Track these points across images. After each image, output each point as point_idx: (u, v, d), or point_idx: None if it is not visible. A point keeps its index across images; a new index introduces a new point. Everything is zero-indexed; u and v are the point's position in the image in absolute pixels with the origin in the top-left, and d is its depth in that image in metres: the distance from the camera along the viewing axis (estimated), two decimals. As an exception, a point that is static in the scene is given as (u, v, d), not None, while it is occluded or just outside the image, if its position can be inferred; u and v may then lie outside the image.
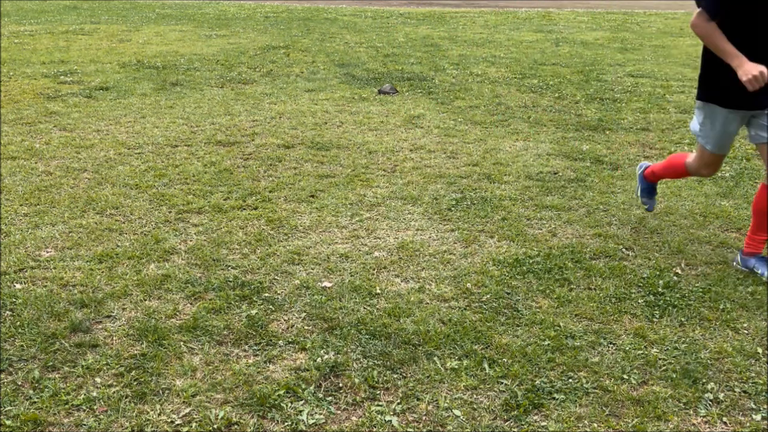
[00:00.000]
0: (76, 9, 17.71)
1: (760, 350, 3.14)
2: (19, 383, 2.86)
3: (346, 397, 2.82)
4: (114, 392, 2.80)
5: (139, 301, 3.49)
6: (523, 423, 2.68)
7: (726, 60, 3.50)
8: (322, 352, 3.09)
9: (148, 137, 6.31)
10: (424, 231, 4.38)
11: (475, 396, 2.83)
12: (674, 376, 2.95)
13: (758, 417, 2.73)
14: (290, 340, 3.19)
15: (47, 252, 4.01)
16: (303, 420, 2.68)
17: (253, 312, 3.39)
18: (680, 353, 3.11)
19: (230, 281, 3.69)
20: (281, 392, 2.82)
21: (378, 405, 2.77)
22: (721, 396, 2.84)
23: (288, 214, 4.59)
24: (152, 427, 2.63)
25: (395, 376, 2.94)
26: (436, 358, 3.05)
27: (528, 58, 10.73)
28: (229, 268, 3.86)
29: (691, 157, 4.07)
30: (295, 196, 4.92)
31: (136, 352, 3.07)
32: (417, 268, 3.89)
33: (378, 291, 3.62)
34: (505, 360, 3.04)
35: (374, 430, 2.64)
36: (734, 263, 3.92)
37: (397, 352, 3.09)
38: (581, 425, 2.67)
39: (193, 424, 2.64)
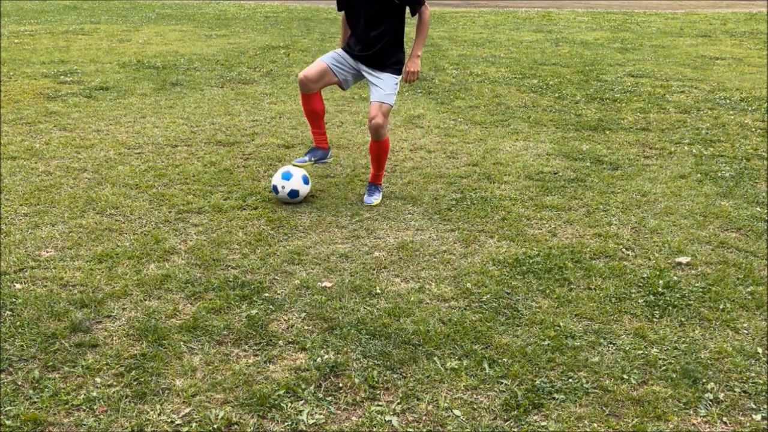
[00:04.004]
0: (76, 9, 17.71)
1: (760, 350, 3.14)
2: (19, 383, 2.86)
3: (346, 397, 2.82)
4: (114, 392, 2.80)
5: (139, 301, 3.49)
6: (523, 423, 2.68)
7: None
8: (322, 352, 3.09)
9: (148, 137, 6.31)
10: (424, 231, 4.38)
11: (475, 396, 2.83)
12: (674, 376, 2.95)
13: (758, 417, 2.73)
14: (290, 340, 3.19)
15: (47, 252, 4.01)
16: (303, 420, 2.68)
17: (253, 312, 3.39)
18: (680, 353, 3.11)
19: (230, 281, 3.69)
20: (281, 392, 2.82)
21: (378, 405, 2.77)
22: (721, 396, 2.84)
23: (288, 214, 4.59)
24: (152, 427, 2.63)
25: (395, 376, 2.94)
26: (436, 358, 3.05)
27: (528, 58, 10.73)
28: (229, 268, 3.86)
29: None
30: (295, 196, 4.92)
31: (136, 352, 3.07)
32: (417, 268, 3.89)
33: (378, 291, 3.62)
34: (505, 360, 3.04)
35: (374, 430, 2.64)
36: None
37: (397, 352, 3.09)
38: (581, 425, 2.67)
39: (193, 424, 2.64)
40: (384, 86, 4.70)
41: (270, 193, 4.96)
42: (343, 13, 4.95)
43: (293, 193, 4.75)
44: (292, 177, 4.76)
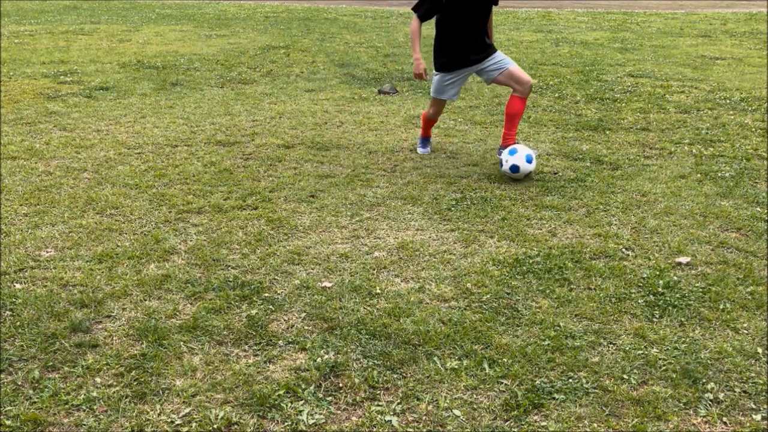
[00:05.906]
0: (76, 9, 17.72)
1: (760, 350, 3.14)
2: (19, 383, 2.86)
3: (346, 397, 2.82)
4: (114, 392, 2.81)
5: (139, 301, 3.49)
6: (523, 423, 2.68)
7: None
8: (322, 352, 3.09)
9: (148, 137, 6.31)
10: (424, 231, 4.38)
11: (475, 396, 2.83)
12: (674, 376, 2.95)
13: (758, 417, 2.73)
14: (290, 340, 3.19)
15: (47, 252, 4.02)
16: (303, 420, 2.68)
17: (253, 312, 3.39)
18: (680, 353, 3.11)
19: (230, 281, 3.69)
20: (281, 392, 2.82)
21: (378, 405, 2.77)
22: (721, 396, 2.84)
23: (288, 214, 4.59)
24: (152, 427, 2.63)
25: (395, 376, 2.94)
26: (436, 358, 3.05)
27: (528, 58, 10.73)
28: (229, 268, 3.86)
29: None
30: (295, 196, 4.92)
31: (136, 352, 3.07)
32: (417, 268, 3.89)
33: (378, 291, 3.62)
34: (505, 360, 3.04)
35: (374, 430, 2.64)
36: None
37: (397, 352, 3.09)
38: (581, 425, 2.67)
39: (193, 424, 2.64)
40: (501, 57, 5.46)
41: (270, 193, 4.96)
42: (418, 21, 5.33)
43: (515, 168, 5.25)
44: (517, 152, 5.28)
